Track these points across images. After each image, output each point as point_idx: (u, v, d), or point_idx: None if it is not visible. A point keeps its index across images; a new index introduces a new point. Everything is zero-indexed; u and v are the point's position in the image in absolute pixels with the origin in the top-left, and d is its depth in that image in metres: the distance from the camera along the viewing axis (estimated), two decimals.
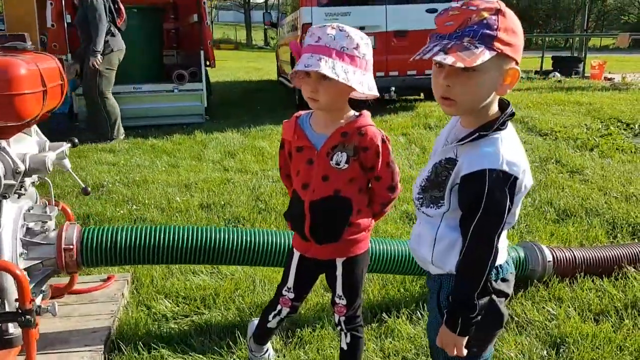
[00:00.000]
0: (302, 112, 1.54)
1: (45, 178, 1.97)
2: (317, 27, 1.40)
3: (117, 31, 5.31)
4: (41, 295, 1.91)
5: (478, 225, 1.11)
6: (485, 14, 1.07)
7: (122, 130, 5.41)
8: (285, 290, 1.65)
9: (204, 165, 4.36)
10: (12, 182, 1.64)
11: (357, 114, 1.49)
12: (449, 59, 1.04)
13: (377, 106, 5.66)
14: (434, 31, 1.13)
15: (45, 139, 1.96)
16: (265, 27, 20.17)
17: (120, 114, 5.37)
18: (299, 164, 1.53)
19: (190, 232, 1.92)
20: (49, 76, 1.71)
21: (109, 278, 2.33)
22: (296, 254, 1.61)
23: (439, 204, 1.19)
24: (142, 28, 6.35)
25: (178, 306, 2.21)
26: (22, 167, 1.66)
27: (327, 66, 1.34)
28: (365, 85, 1.39)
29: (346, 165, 1.46)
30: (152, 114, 6.11)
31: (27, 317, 1.61)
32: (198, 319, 2.10)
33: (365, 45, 1.40)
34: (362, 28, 1.62)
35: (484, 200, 1.09)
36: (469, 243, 1.12)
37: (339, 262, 1.56)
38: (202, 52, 6.22)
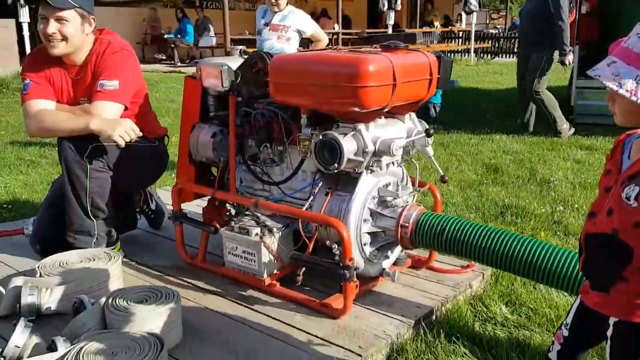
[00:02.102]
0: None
1: (412, 160, 2.22)
2: None
3: None
4: (387, 259, 2.20)
5: None
6: None
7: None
8: (564, 325, 1.39)
9: None
10: (360, 159, 1.96)
11: None
12: None
13: None
14: None
15: (418, 126, 2.19)
16: None
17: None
18: (600, 188, 1.26)
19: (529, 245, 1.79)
20: (407, 72, 1.91)
21: (468, 266, 2.41)
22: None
23: None
24: None
25: (514, 314, 2.11)
26: (370, 148, 1.95)
27: (614, 76, 1.05)
28: None
29: (635, 203, 1.11)
30: None
31: (346, 271, 1.93)
32: (523, 335, 1.96)
33: None
34: None
35: None
36: None
37: (612, 321, 1.20)
38: None
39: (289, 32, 4.31)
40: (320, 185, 2.14)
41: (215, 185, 2.40)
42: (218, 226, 2.34)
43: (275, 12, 4.29)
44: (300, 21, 4.35)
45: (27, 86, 2.38)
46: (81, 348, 1.63)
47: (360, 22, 18.22)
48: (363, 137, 1.95)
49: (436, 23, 18.19)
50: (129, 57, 2.45)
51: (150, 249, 2.69)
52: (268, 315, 2.04)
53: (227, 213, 2.54)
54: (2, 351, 1.67)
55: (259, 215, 2.26)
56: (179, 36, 14.41)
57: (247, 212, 2.34)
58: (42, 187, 4.02)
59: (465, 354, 1.85)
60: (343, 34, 14.39)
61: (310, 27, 4.40)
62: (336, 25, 14.10)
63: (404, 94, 1.95)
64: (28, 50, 9.72)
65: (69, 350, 1.62)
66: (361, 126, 1.96)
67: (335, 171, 1.98)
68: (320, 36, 4.49)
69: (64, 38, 2.31)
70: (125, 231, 2.74)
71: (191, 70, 12.53)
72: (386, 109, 1.94)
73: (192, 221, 2.47)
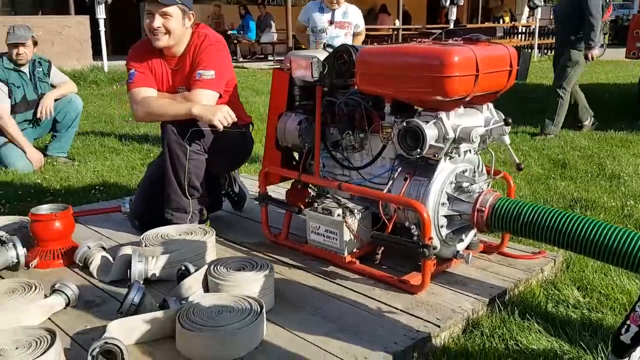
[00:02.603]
0: None
1: (489, 149, 2.33)
2: None
3: None
4: (461, 242, 2.33)
5: None
6: None
7: None
8: (638, 307, 1.48)
9: None
10: (441, 145, 2.09)
11: None
12: None
13: None
14: None
15: (496, 116, 2.30)
16: None
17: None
18: None
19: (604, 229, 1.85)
20: (488, 63, 2.03)
21: (539, 253, 2.50)
22: None
23: None
24: None
25: (585, 298, 2.19)
26: (450, 135, 2.08)
27: None
28: None
29: None
30: None
31: (425, 250, 2.07)
32: (596, 316, 2.05)
33: None
34: None
35: None
36: None
37: None
38: None
39: (351, 28, 4.46)
40: (399, 170, 2.29)
41: (300, 169, 2.58)
42: (302, 207, 2.52)
43: (334, 9, 4.41)
44: (358, 16, 4.51)
45: (133, 75, 2.63)
46: (191, 306, 1.85)
47: (420, 18, 18.15)
48: (444, 124, 2.08)
49: (506, 19, 17.99)
50: (223, 49, 2.67)
51: (234, 228, 2.91)
52: (350, 289, 2.21)
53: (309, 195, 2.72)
54: (120, 307, 1.90)
55: (339, 197, 2.43)
56: (241, 32, 14.81)
57: (328, 195, 2.52)
58: (126, 171, 4.34)
59: (540, 330, 1.96)
60: (403, 29, 14.41)
61: (363, 22, 4.56)
62: (397, 21, 14.13)
63: (485, 84, 2.07)
64: (104, 45, 10.28)
65: (180, 308, 1.84)
66: (442, 114, 2.09)
67: (418, 156, 2.11)
68: (363, 31, 4.64)
69: (167, 31, 2.55)
70: (212, 211, 2.97)
71: (253, 65, 12.91)
72: (467, 99, 2.06)
73: (278, 202, 2.66)
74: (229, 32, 14.97)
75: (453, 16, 12.06)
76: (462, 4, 12.20)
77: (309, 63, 2.33)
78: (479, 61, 1.98)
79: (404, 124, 2.10)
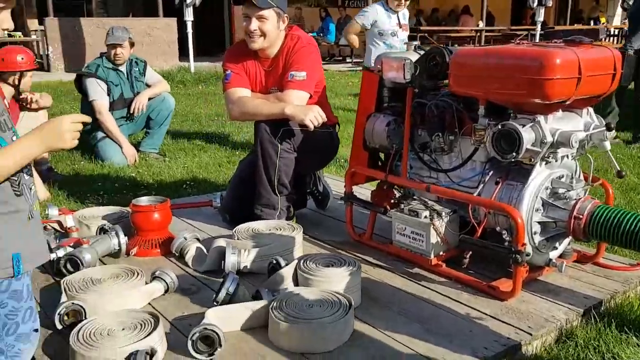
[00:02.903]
0: None
1: (588, 155, 2.25)
2: None
3: None
4: (555, 250, 2.26)
5: None
6: None
7: None
8: None
9: None
10: (538, 149, 2.04)
11: None
12: None
13: None
14: None
15: (596, 121, 2.21)
16: None
17: None
18: None
19: None
20: (591, 66, 1.96)
21: (638, 264, 2.38)
22: None
23: None
24: None
25: None
26: (548, 139, 2.02)
27: None
28: None
29: None
30: None
31: (517, 256, 2.02)
32: None
33: None
34: None
35: None
36: None
37: None
38: None
39: (408, 30, 4.49)
40: (490, 174, 2.25)
41: (387, 170, 2.60)
42: (388, 207, 2.54)
43: (397, 12, 4.38)
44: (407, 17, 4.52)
45: (229, 76, 2.75)
46: (283, 298, 1.91)
47: (503, 19, 17.63)
48: (542, 128, 2.03)
49: (602, 20, 17.20)
50: (314, 51, 2.74)
51: (319, 226, 2.96)
52: (436, 291, 2.20)
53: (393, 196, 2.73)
54: (216, 296, 1.99)
55: (426, 199, 2.43)
56: (321, 35, 14.98)
57: (414, 197, 2.52)
58: (214, 168, 4.51)
59: (638, 344, 1.87)
60: (486, 31, 14.06)
61: None
62: (480, 23, 13.81)
63: (588, 87, 2.00)
64: (190, 46, 10.72)
65: (273, 299, 1.91)
66: (540, 118, 2.04)
67: (513, 160, 2.07)
68: None
69: (263, 34, 2.64)
70: (297, 209, 3.04)
71: (332, 67, 13.01)
72: (568, 102, 2.00)
73: (363, 202, 2.69)
74: (309, 34, 15.19)
75: (540, 17, 11.64)
76: (550, 4, 11.76)
77: (402, 64, 2.34)
78: (582, 64, 1.92)
79: (499, 127, 2.07)
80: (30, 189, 1.46)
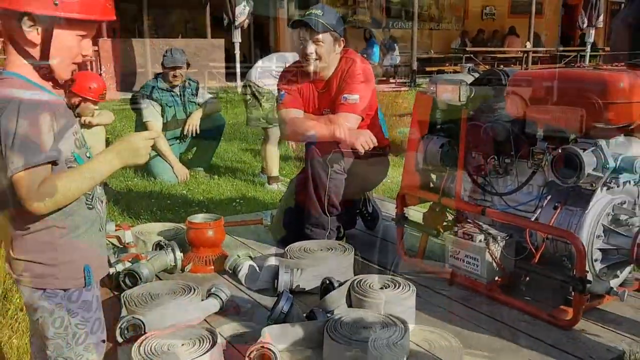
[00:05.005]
0: None
1: None
2: None
3: None
4: (616, 278, 2.19)
5: None
6: None
7: None
8: None
9: None
10: (599, 174, 1.99)
11: None
12: None
13: None
14: None
15: None
16: None
17: None
18: None
19: None
20: None
21: None
22: None
23: None
24: None
25: None
26: (611, 164, 1.97)
27: None
28: None
29: None
30: None
31: (579, 284, 1.97)
32: None
33: None
34: None
35: None
36: None
37: None
38: None
39: None
40: (548, 198, 2.21)
41: (440, 192, 2.58)
42: (440, 230, 2.52)
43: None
44: None
45: (282, 97, 2.80)
46: (338, 319, 1.91)
47: (551, 41, 17.35)
48: (604, 152, 1.99)
49: None
50: (368, 74, 2.76)
51: (368, 247, 2.95)
52: (491, 317, 2.16)
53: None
54: (270, 315, 2.01)
55: (480, 223, 2.39)
56: (364, 55, 15.06)
57: (468, 220, 2.49)
58: (260, 187, 4.57)
59: None
60: (533, 52, 13.87)
61: None
62: (527, 44, 13.63)
63: None
64: (238, 67, 10.94)
65: (328, 320, 1.91)
66: (602, 142, 2.00)
67: (574, 184, 2.03)
68: None
69: (319, 57, 2.69)
70: (346, 229, 3.05)
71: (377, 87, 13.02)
72: (632, 127, 1.96)
73: (415, 224, 2.68)
74: None
75: (591, 39, 11.41)
76: (601, 26, 11.53)
77: (457, 87, 2.34)
78: None
79: (559, 151, 2.04)
80: (102, 202, 1.53)
